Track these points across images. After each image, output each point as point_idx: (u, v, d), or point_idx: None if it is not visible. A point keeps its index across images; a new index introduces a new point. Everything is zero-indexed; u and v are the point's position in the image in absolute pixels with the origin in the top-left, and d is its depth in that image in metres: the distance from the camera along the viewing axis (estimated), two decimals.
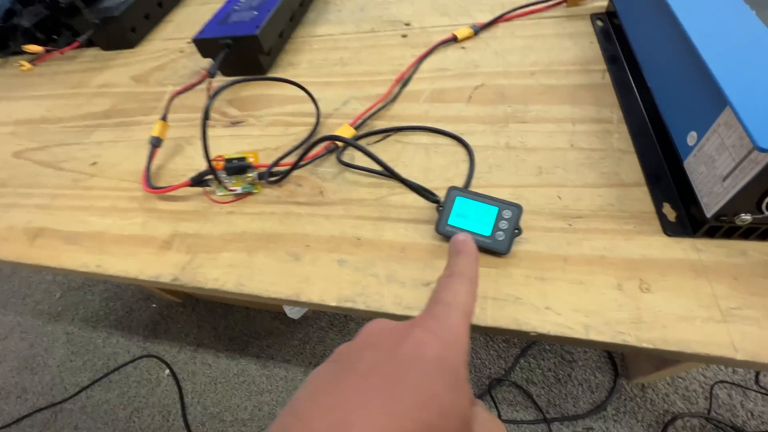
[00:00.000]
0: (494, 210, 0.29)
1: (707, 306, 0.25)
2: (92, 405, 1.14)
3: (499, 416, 0.93)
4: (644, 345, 0.24)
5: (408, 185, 0.29)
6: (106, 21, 0.63)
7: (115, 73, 0.62)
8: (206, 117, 0.32)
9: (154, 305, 1.29)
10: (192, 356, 1.18)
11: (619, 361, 0.94)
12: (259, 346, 1.15)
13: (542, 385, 0.95)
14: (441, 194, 0.33)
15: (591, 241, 0.29)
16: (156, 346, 1.22)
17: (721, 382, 0.88)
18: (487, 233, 0.29)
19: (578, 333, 0.25)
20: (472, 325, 0.27)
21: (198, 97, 0.52)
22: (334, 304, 0.30)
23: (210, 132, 0.48)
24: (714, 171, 0.26)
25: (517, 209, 0.29)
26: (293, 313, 1.07)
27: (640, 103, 0.37)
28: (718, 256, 0.27)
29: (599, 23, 0.46)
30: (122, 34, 0.65)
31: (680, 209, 0.29)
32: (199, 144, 0.46)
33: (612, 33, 0.45)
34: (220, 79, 0.54)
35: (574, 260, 0.28)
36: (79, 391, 1.16)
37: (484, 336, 1.04)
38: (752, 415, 0.86)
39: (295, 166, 0.33)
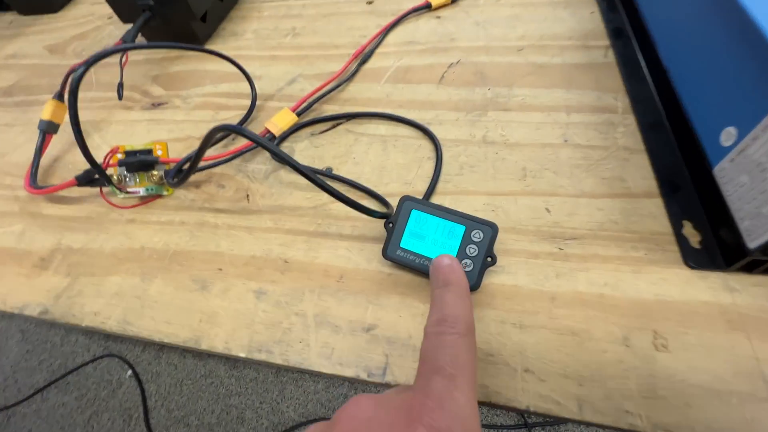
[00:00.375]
0: (460, 230, 0.22)
1: (747, 374, 0.18)
2: (48, 408, 1.07)
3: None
4: None
5: (344, 201, 0.21)
6: None
7: (29, 42, 0.52)
8: (74, 93, 0.23)
9: None
10: (156, 356, 1.11)
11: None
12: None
13: None
14: (395, 204, 0.25)
15: (588, 272, 0.22)
16: (118, 345, 1.14)
17: None
18: None
19: (568, 411, 0.18)
20: None
21: (116, 72, 0.43)
22: (243, 354, 0.22)
23: (125, 115, 0.39)
24: (763, 184, 0.18)
25: (490, 229, 0.21)
26: None
27: (652, 88, 0.29)
28: (758, 299, 0.20)
29: None
30: None
31: (706, 230, 0.22)
32: (107, 131, 0.37)
33: (617, 1, 0.36)
34: (146, 52, 0.45)
35: (564, 300, 0.21)
36: (34, 393, 1.09)
37: None
38: None
39: (193, 167, 0.24)
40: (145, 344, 1.13)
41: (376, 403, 0.14)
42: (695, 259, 0.21)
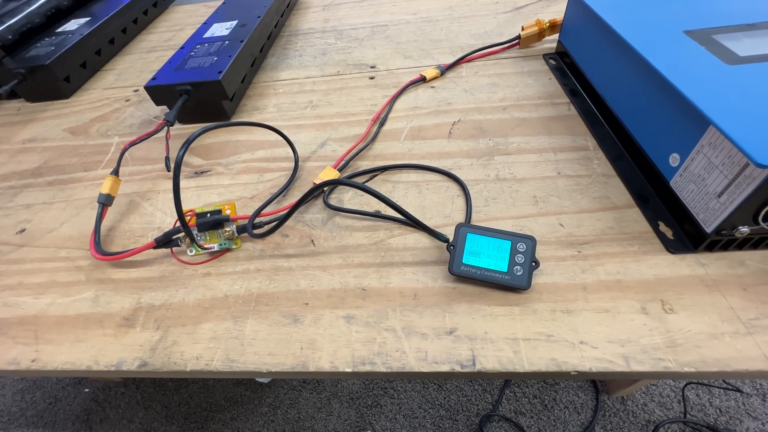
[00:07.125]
0: (507, 244, 0.28)
1: (729, 320, 0.25)
2: None
3: None
4: (686, 370, 0.23)
5: (421, 227, 0.27)
6: (34, 70, 0.56)
7: (45, 126, 0.55)
8: (178, 167, 0.28)
9: (86, 390, 1.09)
10: None
11: (598, 378, 0.96)
12: (222, 420, 1.01)
13: (530, 414, 0.93)
14: (443, 232, 0.31)
15: (603, 266, 0.29)
16: None
17: (689, 383, 0.93)
18: (504, 269, 0.28)
19: (619, 366, 0.24)
20: (509, 372, 0.24)
21: (150, 148, 0.47)
22: (349, 370, 0.26)
23: (170, 184, 0.43)
24: (706, 188, 0.27)
25: (530, 241, 0.28)
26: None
27: (609, 131, 0.39)
28: (721, 268, 0.28)
29: (552, 62, 0.50)
30: (53, 84, 0.58)
31: (675, 226, 0.31)
32: (157, 199, 0.41)
33: (566, 69, 0.48)
34: (178, 128, 0.50)
35: (593, 287, 0.28)
36: None
37: None
38: (720, 411, 0.90)
39: (294, 210, 0.29)
40: None
41: None
42: (673, 246, 0.29)
